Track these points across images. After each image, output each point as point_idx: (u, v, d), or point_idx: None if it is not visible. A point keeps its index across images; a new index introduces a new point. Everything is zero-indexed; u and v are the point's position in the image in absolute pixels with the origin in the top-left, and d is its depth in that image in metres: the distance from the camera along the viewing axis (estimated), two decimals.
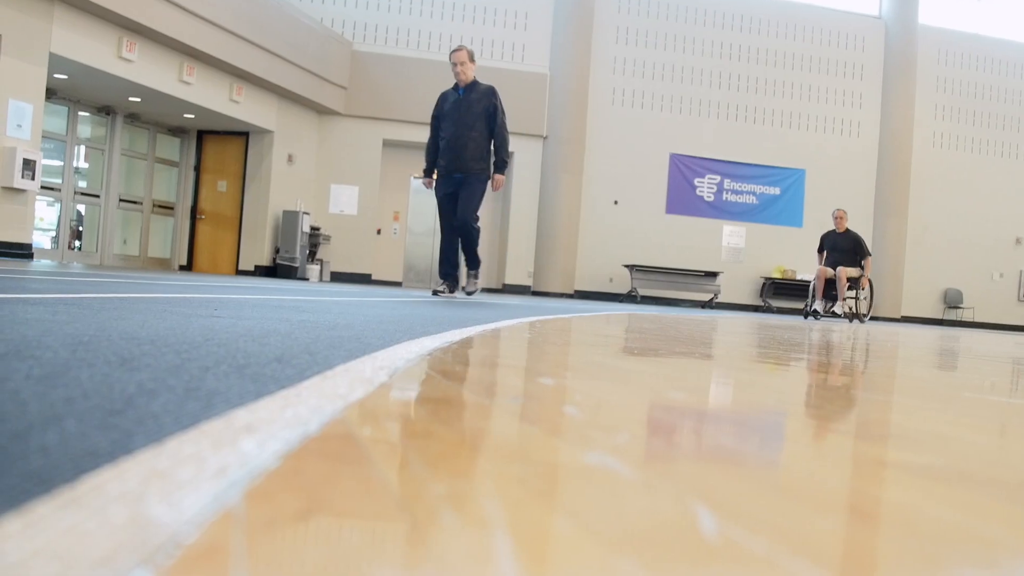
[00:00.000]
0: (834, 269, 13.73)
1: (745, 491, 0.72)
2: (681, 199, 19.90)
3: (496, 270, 19.47)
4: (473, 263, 9.23)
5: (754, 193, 20.29)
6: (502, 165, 8.88)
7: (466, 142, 8.80)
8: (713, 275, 19.38)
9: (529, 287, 18.94)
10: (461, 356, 1.99)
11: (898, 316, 20.73)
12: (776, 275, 20.13)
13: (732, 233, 20.14)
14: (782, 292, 20.14)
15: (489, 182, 8.94)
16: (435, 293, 8.75)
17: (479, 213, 9.12)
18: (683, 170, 19.87)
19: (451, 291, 8.84)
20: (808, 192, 20.46)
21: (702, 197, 19.99)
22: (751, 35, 20.34)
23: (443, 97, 9.43)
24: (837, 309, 13.97)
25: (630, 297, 18.91)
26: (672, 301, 19.31)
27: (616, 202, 19.43)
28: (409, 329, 2.58)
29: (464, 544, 0.50)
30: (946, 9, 21.82)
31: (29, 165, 11.04)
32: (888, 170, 20.73)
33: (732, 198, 20.15)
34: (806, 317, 13.95)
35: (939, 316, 21.47)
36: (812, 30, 20.69)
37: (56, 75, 12.40)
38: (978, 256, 21.44)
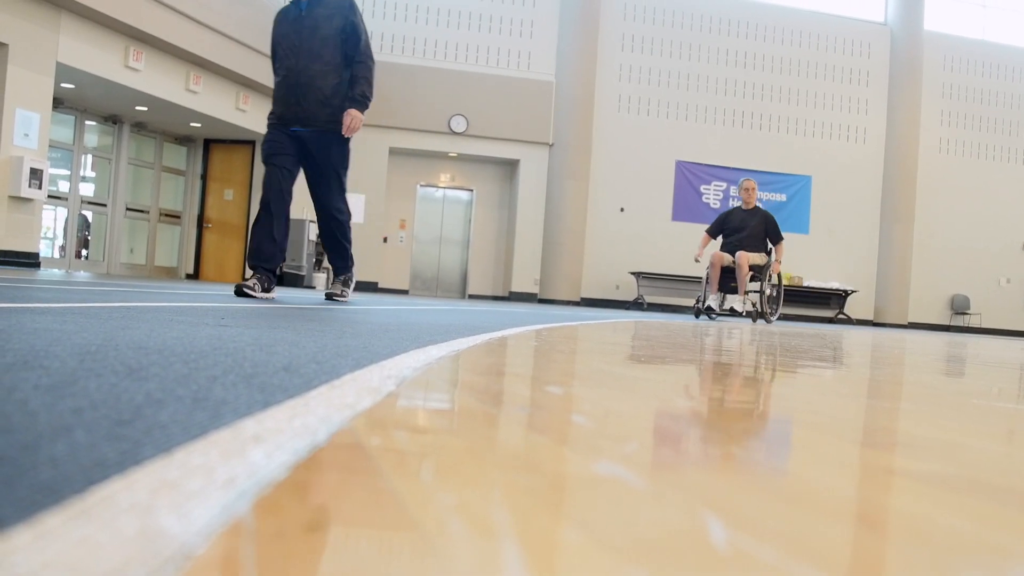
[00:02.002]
0: (733, 255, 11.24)
1: (754, 499, 0.72)
2: (687, 206, 19.88)
3: (502, 278, 19.48)
4: (343, 264, 6.66)
5: (760, 200, 20.24)
6: (360, 101, 6.13)
7: (310, 78, 6.12)
8: None
9: (535, 295, 18.93)
10: (468, 365, 1.99)
11: (905, 322, 20.69)
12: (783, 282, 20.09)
13: None
14: (789, 299, 20.08)
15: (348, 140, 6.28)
16: (241, 292, 5.72)
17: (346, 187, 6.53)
18: (689, 177, 19.87)
19: (265, 288, 5.93)
20: (814, 199, 20.45)
21: (708, 204, 19.97)
22: (757, 42, 20.35)
23: (281, 15, 6.37)
24: (737, 306, 11.21)
25: (636, 304, 18.89)
26: (679, 308, 19.27)
27: (622, 209, 19.43)
28: (416, 337, 2.58)
29: (474, 555, 0.50)
30: (952, 15, 21.81)
31: (36, 174, 11.07)
32: (894, 176, 20.71)
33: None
34: (697, 316, 11.51)
35: (946, 322, 21.42)
36: (818, 37, 20.69)
37: (63, 84, 12.45)
38: (985, 262, 21.39)
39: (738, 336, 5.81)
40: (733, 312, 11.22)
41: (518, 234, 19.04)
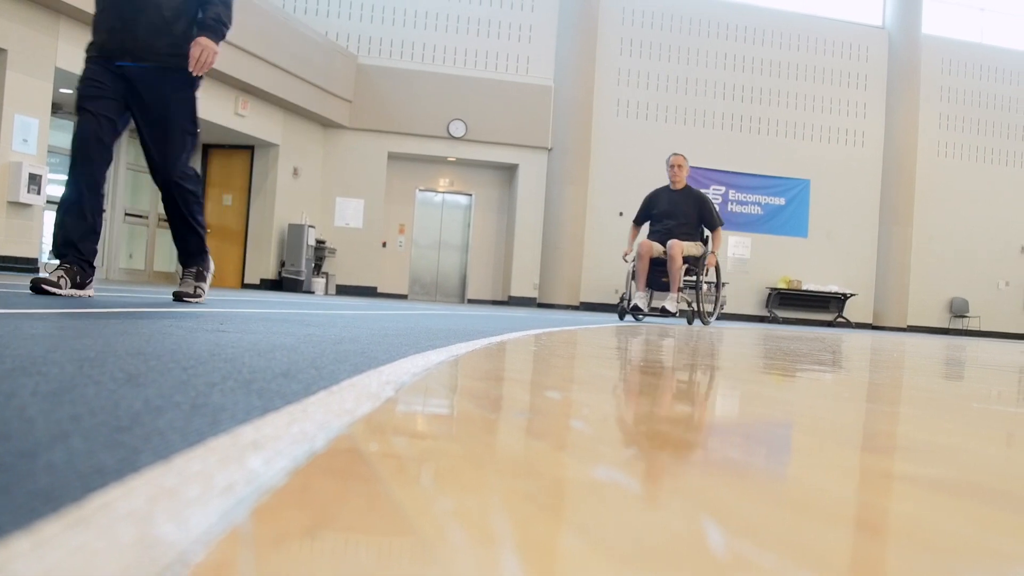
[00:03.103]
0: (664, 245, 9.53)
1: (753, 505, 0.72)
2: None
3: (502, 282, 19.49)
4: (195, 251, 4.91)
5: (759, 204, 20.29)
6: (214, 28, 4.57)
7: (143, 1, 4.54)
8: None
9: (535, 299, 18.94)
10: (467, 370, 1.99)
11: (904, 325, 20.70)
12: (782, 285, 20.11)
13: (737, 244, 20.13)
14: (788, 303, 20.12)
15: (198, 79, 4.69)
16: (39, 289, 4.11)
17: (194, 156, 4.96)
18: (688, 181, 19.85)
19: (76, 284, 4.27)
20: (813, 202, 20.47)
21: None
22: (755, 46, 20.37)
23: None
24: (669, 305, 9.33)
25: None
26: None
27: (621, 213, 19.41)
28: (415, 342, 2.58)
29: (472, 561, 0.50)
30: (949, 19, 21.85)
31: (35, 180, 11.07)
32: (893, 180, 20.73)
33: (737, 209, 20.14)
34: (621, 317, 9.91)
35: (945, 325, 21.43)
36: (816, 41, 20.71)
37: (62, 90, 12.44)
38: (984, 265, 21.41)
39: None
40: (665, 312, 9.36)
41: (517, 238, 19.04)
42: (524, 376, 2.08)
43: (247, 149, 17.08)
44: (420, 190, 19.29)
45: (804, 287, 20.09)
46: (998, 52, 21.84)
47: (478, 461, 0.85)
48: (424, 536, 0.55)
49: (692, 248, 9.61)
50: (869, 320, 20.71)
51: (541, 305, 18.65)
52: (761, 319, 19.92)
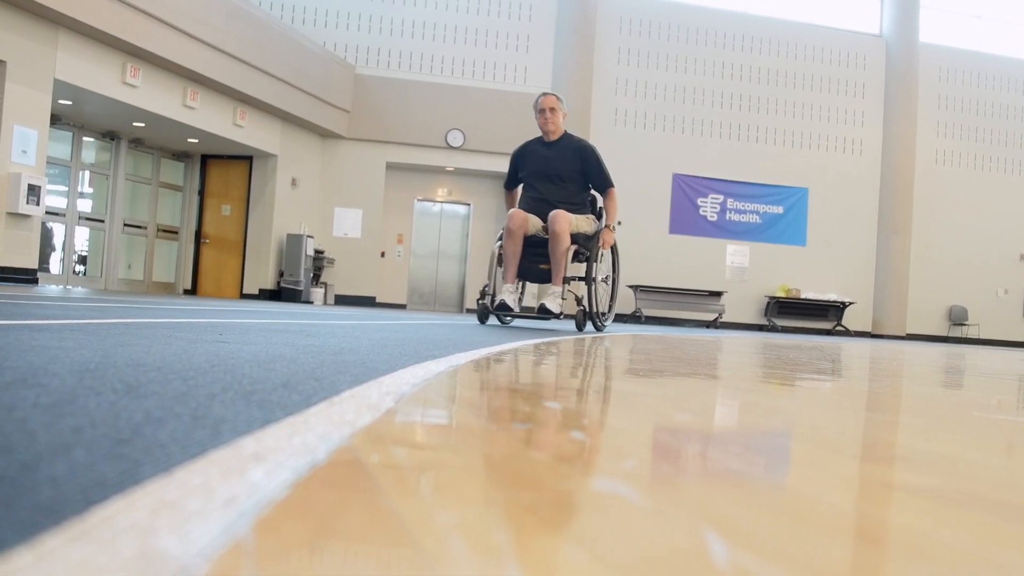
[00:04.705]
0: (543, 217, 6.91)
1: (754, 516, 0.72)
2: (684, 219, 19.92)
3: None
4: None
5: (757, 212, 20.31)
6: None
7: None
8: (717, 295, 19.39)
9: (533, 309, 18.90)
10: (467, 380, 1.99)
11: (903, 334, 20.69)
12: (780, 294, 20.12)
13: (736, 252, 20.15)
14: (787, 311, 20.13)
15: None
16: None
17: None
18: (686, 190, 19.91)
19: None
20: (811, 211, 20.49)
21: (705, 217, 20.01)
22: (752, 55, 20.42)
23: None
24: (550, 303, 6.85)
25: (634, 317, 18.89)
26: (676, 321, 19.28)
27: (619, 222, 19.37)
28: (414, 353, 2.58)
29: (475, 573, 0.50)
30: (947, 27, 21.90)
31: (34, 191, 11.08)
32: (891, 188, 20.75)
33: (735, 217, 20.17)
34: (483, 319, 7.30)
35: (944, 333, 21.43)
36: (813, 49, 20.76)
37: (60, 101, 12.47)
38: (983, 273, 21.42)
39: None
40: (544, 313, 6.88)
41: None
42: (523, 386, 2.08)
43: (245, 159, 17.09)
44: (418, 200, 19.31)
45: (803, 296, 20.11)
46: (996, 60, 21.89)
47: (478, 472, 0.85)
48: (426, 548, 0.55)
49: (583, 223, 7.01)
50: (868, 328, 20.72)
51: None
52: (760, 328, 19.92)
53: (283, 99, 15.79)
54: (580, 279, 7.25)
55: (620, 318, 19.06)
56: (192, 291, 17.46)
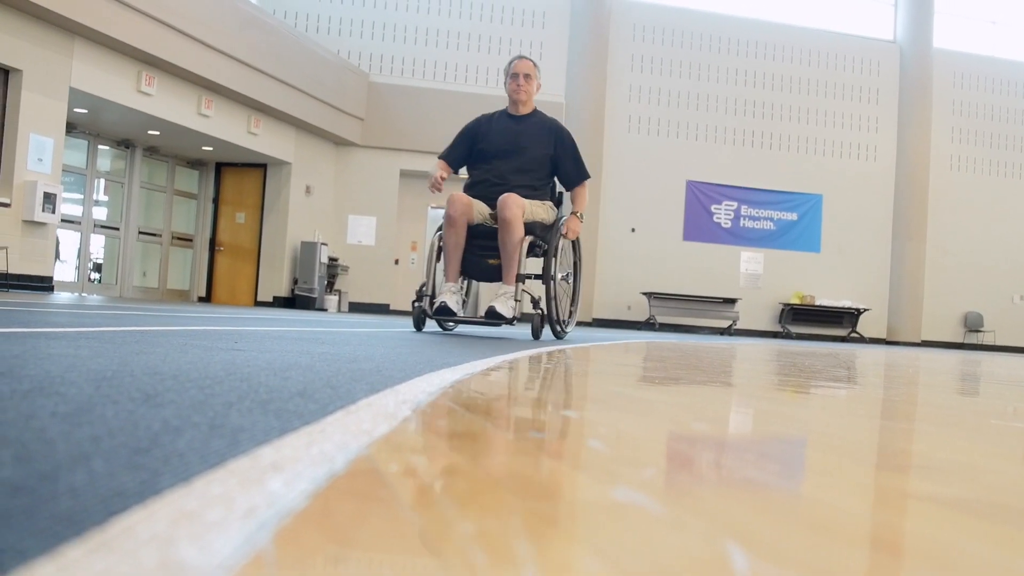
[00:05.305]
0: (490, 202, 5.91)
1: (772, 525, 0.71)
2: (698, 226, 19.89)
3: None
4: None
5: (771, 219, 20.26)
6: None
7: None
8: (732, 302, 19.34)
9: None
10: (482, 389, 1.98)
11: (918, 340, 20.60)
12: (795, 301, 20.05)
13: (750, 259, 20.10)
14: (801, 318, 20.05)
15: None
16: None
17: None
18: (700, 197, 19.88)
19: None
20: (825, 217, 20.42)
21: (719, 223, 19.97)
22: (766, 61, 20.38)
23: None
24: (501, 306, 5.74)
25: (648, 325, 18.86)
26: (691, 328, 19.23)
27: (633, 229, 19.43)
28: (429, 361, 2.58)
29: None
30: (961, 32, 21.82)
31: (50, 199, 11.15)
32: (906, 194, 20.67)
33: (749, 224, 20.12)
34: (419, 325, 5.87)
35: (960, 340, 21.31)
36: (827, 55, 20.71)
37: (76, 109, 12.54)
38: (998, 279, 21.30)
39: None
40: (494, 317, 5.74)
41: None
42: (539, 394, 2.08)
43: (260, 167, 17.15)
44: (432, 207, 19.32)
45: (817, 302, 20.03)
46: (1010, 65, 21.79)
47: (497, 481, 0.84)
48: (446, 558, 0.55)
49: (539, 210, 5.93)
50: (883, 335, 20.62)
51: None
52: (775, 335, 19.85)
53: (297, 107, 15.85)
54: (536, 277, 6.12)
55: (634, 325, 19.02)
56: (206, 299, 17.52)
